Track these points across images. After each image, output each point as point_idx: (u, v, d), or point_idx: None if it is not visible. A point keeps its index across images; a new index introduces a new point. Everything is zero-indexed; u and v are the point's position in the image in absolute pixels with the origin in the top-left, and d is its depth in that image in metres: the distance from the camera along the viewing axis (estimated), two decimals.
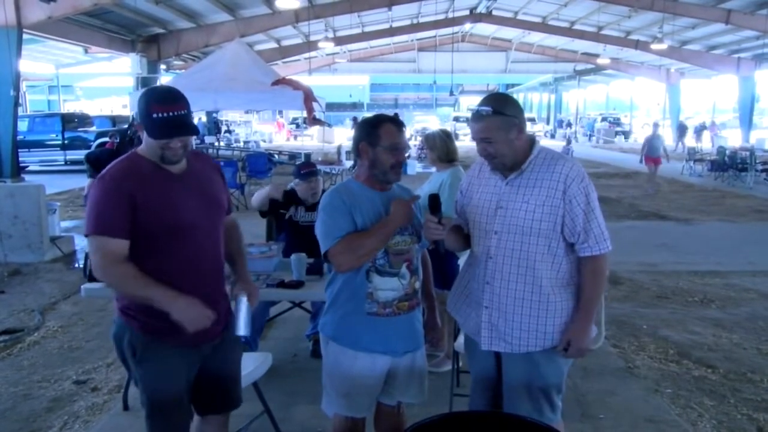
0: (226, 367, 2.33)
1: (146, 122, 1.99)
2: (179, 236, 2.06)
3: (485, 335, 2.26)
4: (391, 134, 2.23)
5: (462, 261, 3.31)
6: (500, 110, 2.14)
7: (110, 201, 1.97)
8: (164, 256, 2.05)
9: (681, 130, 27.62)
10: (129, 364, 2.18)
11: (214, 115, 25.53)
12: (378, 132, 2.23)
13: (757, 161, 15.36)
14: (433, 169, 4.12)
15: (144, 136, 2.04)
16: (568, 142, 20.45)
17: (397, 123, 2.28)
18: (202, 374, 2.23)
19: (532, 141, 2.23)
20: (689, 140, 25.82)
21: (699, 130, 27.67)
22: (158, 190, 2.03)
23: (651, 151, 13.71)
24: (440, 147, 3.96)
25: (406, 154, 2.43)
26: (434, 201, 2.22)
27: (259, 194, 4.33)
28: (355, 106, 50.25)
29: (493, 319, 2.24)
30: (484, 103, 2.19)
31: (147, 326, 2.08)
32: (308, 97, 10.75)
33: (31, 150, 16.69)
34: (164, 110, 1.95)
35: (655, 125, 14.92)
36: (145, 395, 2.15)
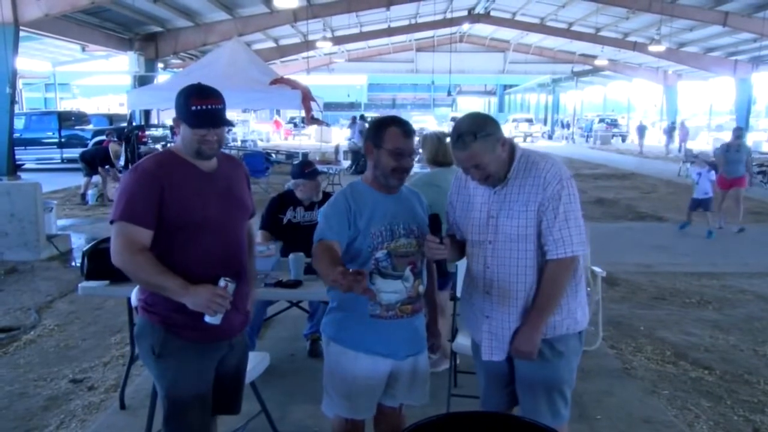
0: (237, 370, 2.37)
1: (185, 115, 2.07)
2: (203, 232, 2.11)
3: (485, 345, 2.27)
4: (395, 138, 2.18)
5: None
6: (482, 132, 2.08)
7: (141, 191, 2.04)
8: (187, 251, 2.09)
9: (640, 131, 27.49)
10: (150, 363, 2.18)
11: None
12: (382, 134, 2.20)
13: (753, 163, 15.38)
14: (427, 170, 4.04)
15: (181, 132, 2.10)
16: (711, 167, 9.36)
17: (404, 127, 2.21)
18: (216, 374, 2.24)
19: (512, 147, 2.20)
20: (676, 141, 25.89)
21: (669, 131, 27.57)
22: (187, 186, 2.09)
23: (729, 170, 9.04)
24: (430, 149, 3.89)
25: (415, 159, 2.37)
26: (435, 221, 2.15)
27: None
28: (353, 105, 50.20)
29: (493, 329, 2.24)
30: (461, 128, 2.10)
31: (167, 320, 2.10)
32: (306, 97, 10.75)
33: (28, 148, 16.67)
34: (202, 103, 2.07)
35: (737, 130, 9.77)
36: (165, 394, 2.16)
